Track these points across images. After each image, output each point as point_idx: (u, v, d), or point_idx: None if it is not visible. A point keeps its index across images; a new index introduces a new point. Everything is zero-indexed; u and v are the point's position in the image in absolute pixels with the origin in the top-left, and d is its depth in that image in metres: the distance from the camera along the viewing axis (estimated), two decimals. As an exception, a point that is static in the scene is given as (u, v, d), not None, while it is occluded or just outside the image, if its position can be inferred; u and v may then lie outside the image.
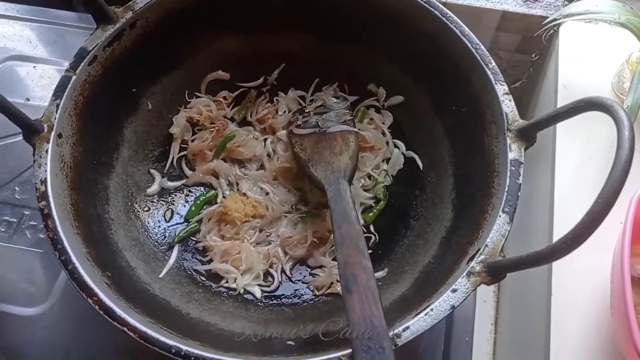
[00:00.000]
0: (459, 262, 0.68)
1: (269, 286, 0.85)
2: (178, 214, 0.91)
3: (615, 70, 0.95)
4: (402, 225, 0.88)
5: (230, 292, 0.84)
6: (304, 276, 0.87)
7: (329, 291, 0.84)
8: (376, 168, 0.93)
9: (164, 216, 0.90)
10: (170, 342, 0.61)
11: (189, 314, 0.76)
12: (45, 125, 0.72)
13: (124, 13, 0.80)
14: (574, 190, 0.86)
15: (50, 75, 1.14)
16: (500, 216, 0.66)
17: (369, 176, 0.93)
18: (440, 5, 0.80)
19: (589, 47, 1.00)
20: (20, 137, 0.99)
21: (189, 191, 0.93)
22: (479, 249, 0.65)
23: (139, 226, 0.86)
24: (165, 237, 0.87)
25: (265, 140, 0.96)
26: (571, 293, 0.80)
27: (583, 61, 0.99)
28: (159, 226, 0.88)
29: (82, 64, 0.76)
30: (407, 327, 0.61)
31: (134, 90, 0.88)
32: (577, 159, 0.89)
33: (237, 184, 0.93)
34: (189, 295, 0.80)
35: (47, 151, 0.70)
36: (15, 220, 0.97)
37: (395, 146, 0.95)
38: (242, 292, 0.84)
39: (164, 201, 0.91)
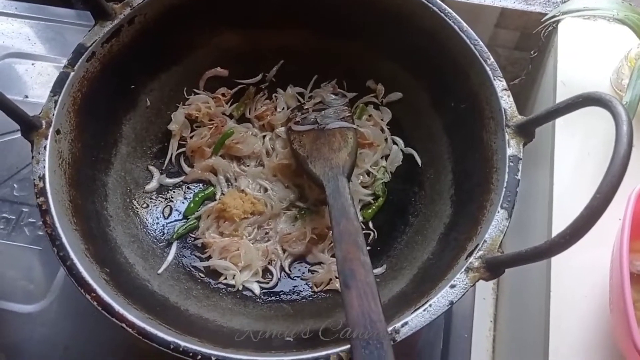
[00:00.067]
0: (457, 258, 0.68)
1: (267, 283, 0.85)
2: (177, 210, 0.91)
3: (614, 67, 0.95)
4: (400, 222, 0.88)
5: (229, 288, 0.84)
6: (303, 273, 0.87)
7: (327, 288, 0.84)
8: (375, 165, 0.93)
9: (163, 213, 0.90)
10: (169, 338, 0.61)
11: (188, 310, 0.76)
12: (44, 122, 0.71)
13: (122, 9, 0.80)
14: (573, 186, 0.86)
15: (48, 73, 1.14)
16: (498, 212, 0.66)
17: (368, 173, 0.93)
18: (439, 2, 0.80)
19: (588, 44, 1.00)
20: (18, 134, 0.99)
21: (188, 188, 0.93)
22: (478, 244, 0.65)
23: (137, 223, 0.85)
24: (163, 234, 0.87)
25: (263, 137, 0.96)
26: (570, 290, 0.80)
27: (582, 58, 0.99)
28: (158, 223, 0.88)
29: (80, 60, 0.76)
30: (406, 323, 0.61)
31: (132, 86, 0.88)
32: (576, 155, 0.89)
33: (236, 181, 0.93)
34: (187, 291, 0.80)
35: (45, 147, 0.70)
36: (13, 217, 0.97)
37: (394, 143, 0.95)
38: (240, 288, 0.84)
39: (163, 198, 0.91)
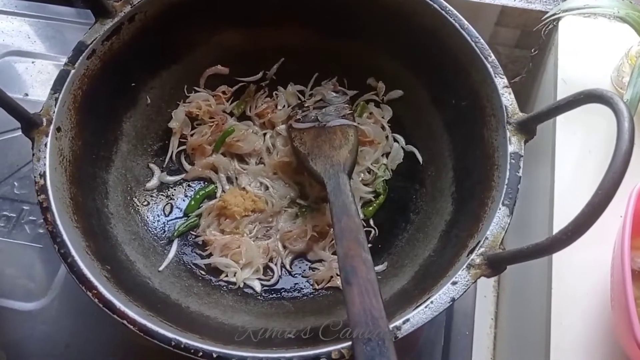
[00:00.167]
0: (459, 255, 0.68)
1: (268, 280, 0.85)
2: (177, 208, 0.91)
3: (614, 65, 0.95)
4: (402, 219, 0.88)
5: (230, 286, 0.84)
6: (304, 270, 0.87)
7: (328, 285, 0.84)
8: (376, 162, 0.93)
9: (164, 210, 0.90)
10: (170, 335, 0.61)
11: (189, 308, 0.76)
12: (44, 119, 0.71)
13: (122, 7, 0.80)
14: (574, 183, 0.86)
15: (49, 71, 1.14)
16: (500, 209, 0.66)
17: (369, 170, 0.93)
18: (440, 0, 0.80)
19: (589, 42, 1.00)
20: (18, 133, 0.99)
21: (189, 185, 0.93)
22: (479, 241, 0.65)
23: (138, 220, 0.85)
24: (164, 231, 0.87)
25: (264, 134, 0.96)
26: (571, 287, 0.80)
27: (582, 56, 0.99)
28: (159, 220, 0.88)
29: (80, 58, 0.76)
30: (407, 320, 0.61)
31: (133, 84, 0.88)
32: (577, 152, 0.89)
33: (237, 179, 0.93)
34: (188, 289, 0.80)
35: (46, 145, 0.70)
36: (14, 215, 0.97)
37: (395, 140, 0.95)
38: (241, 286, 0.84)
39: (164, 195, 0.91)
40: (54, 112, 0.72)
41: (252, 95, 0.99)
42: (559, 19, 0.99)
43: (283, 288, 0.85)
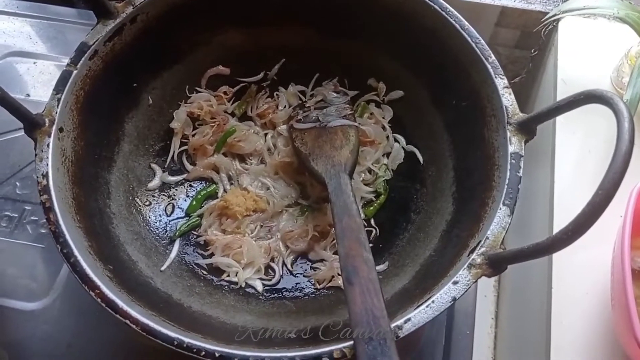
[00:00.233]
0: (459, 254, 0.68)
1: (270, 280, 0.86)
2: (179, 208, 0.91)
3: (614, 65, 0.95)
4: (402, 219, 0.88)
5: (232, 285, 0.84)
6: (305, 270, 0.87)
7: (330, 285, 0.85)
8: (376, 162, 0.94)
9: (165, 210, 0.90)
10: (173, 335, 0.61)
11: (191, 307, 0.76)
12: (47, 120, 0.72)
13: (124, 8, 0.80)
14: (574, 183, 0.87)
15: (50, 71, 1.14)
16: (500, 209, 0.66)
17: (370, 170, 0.93)
18: (441, 0, 0.81)
19: (588, 42, 1.01)
20: (20, 133, 0.99)
21: (190, 185, 0.94)
22: (480, 241, 0.65)
23: (140, 220, 0.86)
24: (166, 231, 0.88)
25: (265, 135, 0.96)
26: (571, 286, 0.80)
27: (582, 56, 0.99)
28: (160, 220, 0.89)
29: (83, 59, 0.77)
30: (409, 319, 0.61)
31: (135, 85, 0.88)
32: (577, 152, 0.89)
33: (238, 179, 0.93)
34: (190, 288, 0.81)
35: (48, 145, 0.71)
36: (16, 215, 0.98)
37: (396, 140, 0.95)
38: (243, 285, 0.84)
39: (165, 195, 0.91)
40: (56, 113, 0.73)
41: (253, 95, 0.99)
42: (558, 19, 1.00)
43: (284, 288, 0.85)
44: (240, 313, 0.79)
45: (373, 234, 0.89)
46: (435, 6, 0.80)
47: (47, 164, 0.69)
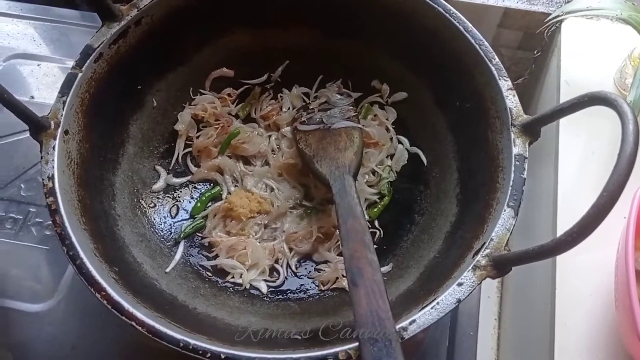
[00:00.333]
0: (464, 256, 0.68)
1: (274, 281, 0.86)
2: (184, 210, 0.91)
3: (617, 66, 0.95)
4: (406, 221, 0.89)
5: (236, 287, 0.84)
6: (310, 271, 0.87)
7: (334, 286, 0.85)
8: (380, 164, 0.94)
9: (170, 212, 0.90)
10: (178, 336, 0.62)
11: (196, 309, 0.76)
12: (52, 122, 0.72)
13: (129, 10, 0.81)
14: (578, 185, 0.87)
15: (54, 74, 1.14)
16: (505, 210, 0.66)
17: (373, 172, 0.93)
18: (444, 2, 0.81)
19: (591, 44, 1.01)
20: (24, 135, 1.00)
21: (194, 187, 0.94)
22: (484, 243, 0.65)
23: (145, 222, 0.86)
24: (171, 233, 0.88)
25: (269, 136, 0.97)
26: (575, 288, 0.80)
27: (585, 57, 0.99)
28: (165, 222, 0.89)
29: (88, 61, 0.77)
30: (414, 321, 0.62)
31: (139, 87, 0.89)
32: (581, 154, 0.90)
33: (242, 180, 0.93)
34: (195, 290, 0.81)
35: (54, 148, 0.71)
36: (21, 217, 0.98)
37: (399, 142, 0.95)
38: (248, 287, 0.84)
39: (170, 197, 0.92)
40: (61, 115, 0.73)
41: (257, 97, 0.99)
42: (561, 20, 1.00)
43: (289, 289, 0.85)
44: (245, 314, 0.79)
45: (377, 236, 0.89)
46: (439, 8, 0.81)
47: (53, 167, 0.70)
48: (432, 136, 0.91)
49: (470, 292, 0.63)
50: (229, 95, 0.98)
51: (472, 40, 0.78)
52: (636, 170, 0.51)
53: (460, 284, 0.63)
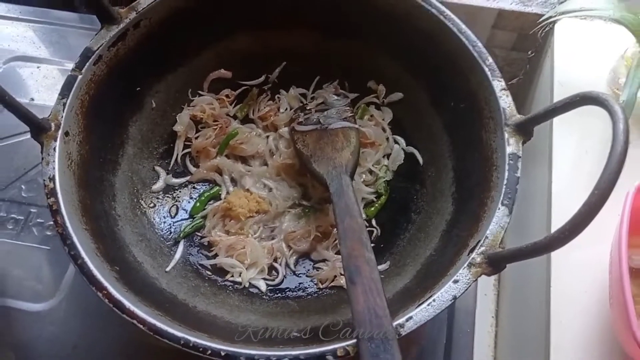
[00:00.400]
0: (459, 254, 0.69)
1: (273, 280, 0.87)
2: (183, 210, 0.92)
3: (610, 66, 0.96)
4: (403, 219, 0.90)
5: (236, 285, 0.85)
6: (308, 270, 0.88)
7: (332, 284, 0.86)
8: (377, 163, 0.95)
9: (170, 212, 0.91)
10: (179, 334, 0.63)
11: (196, 307, 0.77)
12: (53, 124, 0.73)
13: (127, 13, 0.81)
14: (571, 184, 0.88)
15: (54, 76, 1.15)
16: (499, 208, 0.67)
17: (370, 171, 0.94)
18: (438, 4, 0.82)
19: (585, 44, 1.02)
20: (25, 137, 1.01)
21: (194, 188, 0.95)
22: (479, 240, 0.66)
23: (145, 222, 0.87)
24: (170, 233, 0.89)
25: (267, 137, 0.97)
26: (570, 285, 0.81)
27: (579, 58, 1.00)
28: (165, 222, 0.90)
29: (87, 64, 0.78)
30: (410, 317, 0.63)
31: (138, 89, 0.89)
32: (574, 153, 0.91)
33: (241, 180, 0.94)
34: (195, 289, 0.82)
35: (54, 149, 0.72)
36: (22, 217, 0.99)
37: (396, 142, 0.96)
38: (247, 285, 0.85)
39: (169, 197, 0.93)
40: (62, 117, 0.74)
41: (254, 98, 1.00)
42: (555, 21, 1.00)
43: (288, 287, 0.86)
44: (245, 313, 0.80)
45: (374, 234, 0.90)
46: (432, 9, 0.81)
47: (54, 168, 0.71)
48: (427, 136, 0.91)
49: (466, 289, 0.64)
50: (227, 96, 0.99)
51: (466, 42, 0.78)
52: (629, 168, 0.52)
53: (456, 281, 0.64)
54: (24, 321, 0.91)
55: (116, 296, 0.64)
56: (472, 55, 0.78)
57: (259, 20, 0.94)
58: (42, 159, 0.71)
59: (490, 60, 0.77)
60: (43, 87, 1.13)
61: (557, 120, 0.88)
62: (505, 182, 0.69)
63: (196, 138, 0.96)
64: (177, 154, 0.95)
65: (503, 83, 0.75)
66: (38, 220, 0.98)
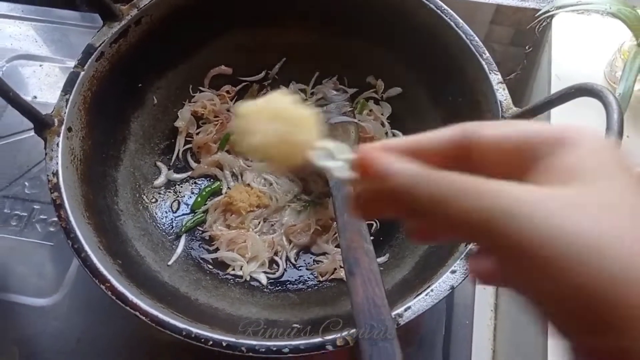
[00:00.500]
0: (457, 245, 0.70)
1: (274, 273, 0.88)
2: (184, 204, 0.93)
3: (607, 60, 0.97)
4: (402, 213, 0.90)
5: (237, 279, 0.86)
6: (308, 263, 0.89)
7: (332, 277, 0.87)
8: (376, 158, 0.95)
9: (171, 207, 0.92)
10: (181, 325, 0.64)
11: (198, 300, 0.78)
12: (56, 120, 0.74)
13: (129, 10, 0.82)
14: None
15: (56, 74, 1.16)
16: (496, 200, 0.68)
17: (370, 165, 0.95)
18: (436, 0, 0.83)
19: (582, 38, 1.02)
20: (28, 135, 1.02)
21: (195, 183, 0.96)
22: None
23: (147, 217, 0.88)
24: (172, 227, 0.90)
25: (267, 132, 0.98)
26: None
27: (576, 52, 1.00)
28: (166, 217, 0.91)
29: (89, 60, 0.78)
30: (409, 307, 0.64)
31: (140, 85, 0.90)
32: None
33: (242, 175, 0.95)
34: (197, 282, 0.83)
35: (58, 144, 0.73)
36: (25, 214, 0.99)
37: (394, 136, 0.97)
38: (248, 279, 0.86)
39: (171, 192, 0.94)
40: (65, 113, 0.74)
41: (255, 94, 1.01)
42: (552, 16, 1.01)
43: (288, 280, 0.87)
44: (246, 305, 0.81)
45: (374, 227, 0.91)
46: (431, 5, 0.82)
47: (57, 163, 0.71)
48: (426, 130, 0.92)
49: (464, 279, 0.65)
50: (227, 92, 1.00)
51: (463, 36, 0.79)
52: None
53: (453, 272, 0.65)
54: (28, 316, 0.92)
55: (119, 289, 0.65)
56: (469, 49, 0.78)
57: (258, 16, 0.94)
58: (46, 154, 0.72)
59: (487, 54, 0.78)
60: (45, 85, 1.14)
61: (554, 113, 0.89)
62: (502, 174, 0.69)
63: (197, 134, 0.97)
64: (179, 150, 0.96)
65: (500, 76, 0.76)
66: (41, 216, 0.99)
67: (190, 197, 0.94)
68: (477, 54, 0.78)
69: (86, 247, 0.67)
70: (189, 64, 0.96)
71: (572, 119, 0.92)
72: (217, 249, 0.88)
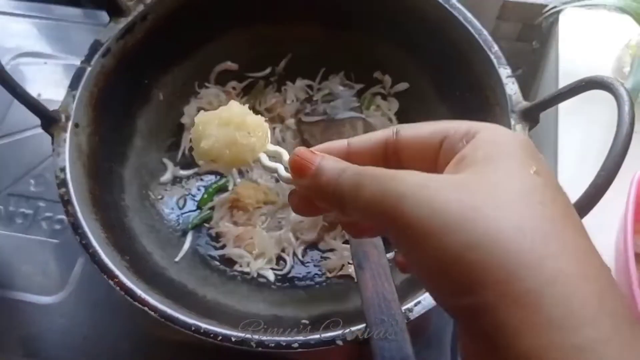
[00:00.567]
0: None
1: (281, 269, 0.87)
2: (191, 201, 0.93)
3: (615, 55, 0.96)
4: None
5: (244, 275, 0.86)
6: (316, 259, 0.89)
7: (340, 273, 0.86)
8: (383, 153, 0.95)
9: (178, 204, 0.92)
10: (190, 321, 0.63)
11: (205, 297, 0.78)
12: (63, 115, 0.74)
13: (135, 6, 0.82)
14: (577, 170, 0.88)
15: (60, 71, 1.16)
16: (506, 195, 0.68)
17: (377, 161, 0.95)
18: (443, -6, 0.82)
19: (589, 33, 1.02)
20: (33, 132, 1.02)
21: (201, 179, 0.95)
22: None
23: (153, 213, 0.88)
24: (179, 224, 0.90)
25: (274, 128, 0.98)
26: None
27: (583, 47, 1.00)
28: (173, 213, 0.90)
29: (96, 56, 0.78)
30: (419, 302, 0.63)
31: (146, 81, 0.90)
32: (580, 140, 0.91)
33: (248, 172, 0.95)
34: (204, 279, 0.83)
35: (65, 140, 0.73)
36: (31, 212, 0.99)
37: (402, 131, 0.96)
38: (255, 275, 0.86)
39: (177, 189, 0.93)
40: (72, 109, 0.74)
41: (261, 90, 1.01)
42: (559, 11, 1.00)
43: (296, 277, 0.87)
44: (254, 302, 0.81)
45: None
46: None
47: (65, 159, 0.71)
48: (434, 125, 0.92)
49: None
50: (233, 88, 1.00)
51: (472, 30, 0.79)
52: (635, 155, 0.52)
53: (463, 267, 0.64)
54: (34, 314, 0.92)
55: (128, 284, 0.65)
56: (477, 43, 0.78)
57: (264, 13, 0.94)
58: (53, 150, 0.72)
59: (496, 47, 0.77)
60: (50, 82, 1.14)
61: (562, 107, 0.89)
62: (511, 169, 0.69)
63: (203, 130, 0.96)
64: (185, 146, 0.96)
65: (509, 70, 0.75)
66: (47, 214, 0.99)
67: (197, 193, 0.94)
68: (485, 47, 0.77)
69: (94, 243, 0.67)
70: (194, 60, 0.95)
71: (582, 114, 0.92)
72: (224, 246, 0.88)
